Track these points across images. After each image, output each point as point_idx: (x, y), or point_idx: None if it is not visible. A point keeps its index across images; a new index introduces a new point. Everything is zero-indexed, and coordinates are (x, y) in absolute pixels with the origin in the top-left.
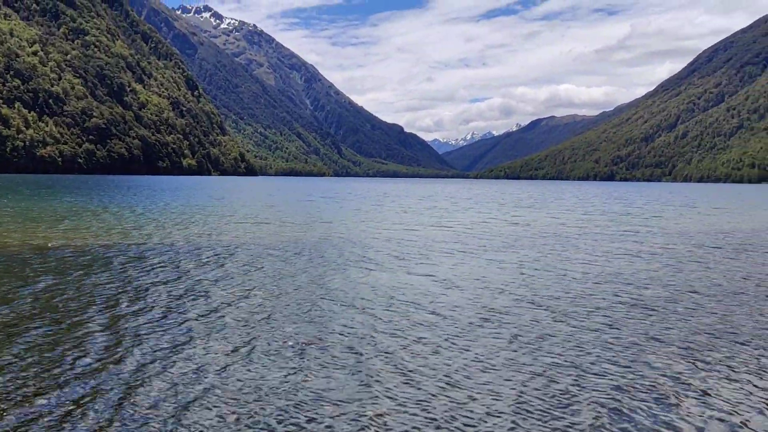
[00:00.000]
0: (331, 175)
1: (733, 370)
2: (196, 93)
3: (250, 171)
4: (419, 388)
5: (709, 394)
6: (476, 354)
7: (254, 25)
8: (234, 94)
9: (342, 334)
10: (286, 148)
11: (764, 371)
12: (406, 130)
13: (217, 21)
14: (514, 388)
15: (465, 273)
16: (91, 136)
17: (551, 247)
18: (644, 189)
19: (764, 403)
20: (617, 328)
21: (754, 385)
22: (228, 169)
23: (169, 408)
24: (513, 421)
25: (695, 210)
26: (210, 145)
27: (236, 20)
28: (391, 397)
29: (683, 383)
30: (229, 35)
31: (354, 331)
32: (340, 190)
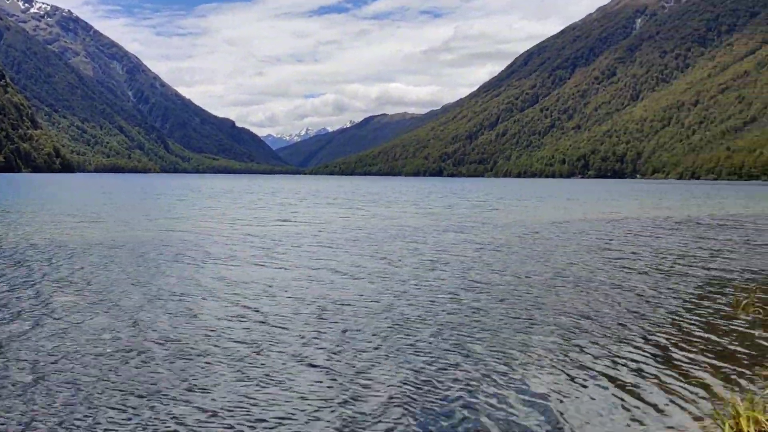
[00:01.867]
0: (158, 172)
1: (550, 351)
2: (2, 82)
3: (67, 167)
4: (259, 384)
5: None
6: (318, 347)
7: (69, 10)
8: (47, 85)
9: (186, 330)
10: (107, 143)
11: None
12: (238, 124)
13: (27, 5)
14: (356, 381)
15: (316, 266)
16: None
17: (402, 239)
18: (472, 183)
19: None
20: (453, 314)
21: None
22: (41, 165)
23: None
24: (345, 412)
25: (523, 202)
26: (20, 139)
27: (48, 5)
28: (225, 393)
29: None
30: (40, 20)
31: (200, 325)
32: (175, 188)
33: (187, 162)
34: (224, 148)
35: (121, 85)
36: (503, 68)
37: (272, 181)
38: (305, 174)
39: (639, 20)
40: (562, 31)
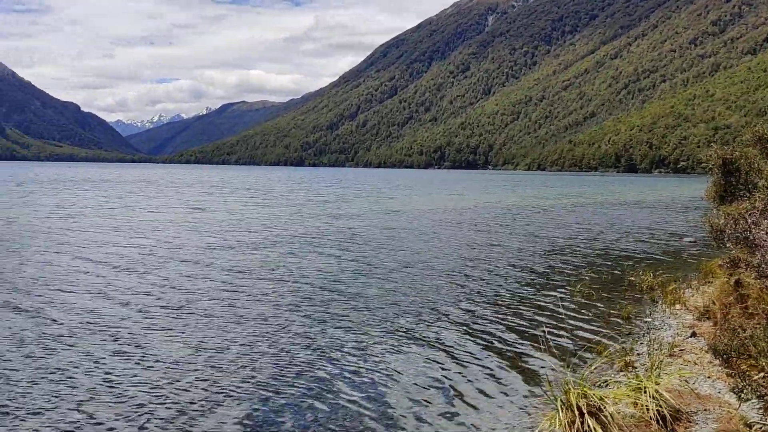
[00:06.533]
0: None
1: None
2: None
3: None
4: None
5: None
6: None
7: None
8: None
9: None
10: None
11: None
12: (84, 109)
13: None
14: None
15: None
16: None
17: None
18: (340, 173)
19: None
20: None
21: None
22: None
23: None
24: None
25: (408, 192)
26: None
27: None
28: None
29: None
30: None
31: None
32: (40, 176)
33: (26, 149)
34: (69, 134)
35: None
36: (363, 59)
37: (134, 170)
38: (159, 162)
39: (491, 17)
40: (419, 25)
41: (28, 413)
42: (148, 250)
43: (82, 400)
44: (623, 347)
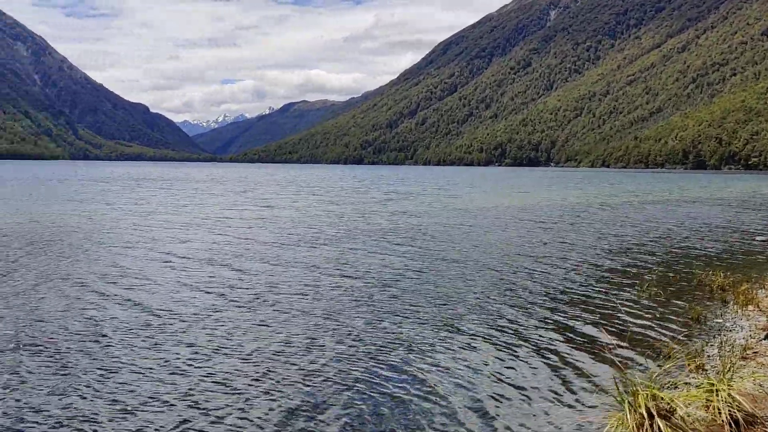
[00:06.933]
0: (68, 159)
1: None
2: None
3: None
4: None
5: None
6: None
7: None
8: None
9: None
10: (12, 129)
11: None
12: (153, 110)
13: None
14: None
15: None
16: None
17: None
18: (403, 171)
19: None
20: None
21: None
22: None
23: None
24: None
25: (473, 189)
26: None
27: None
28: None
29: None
30: None
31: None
32: (92, 176)
33: (98, 149)
34: (138, 134)
35: (26, 68)
36: (423, 57)
37: (202, 168)
38: (224, 161)
39: (553, 12)
40: (480, 21)
41: (139, 405)
42: (226, 246)
43: (187, 391)
44: (693, 349)
